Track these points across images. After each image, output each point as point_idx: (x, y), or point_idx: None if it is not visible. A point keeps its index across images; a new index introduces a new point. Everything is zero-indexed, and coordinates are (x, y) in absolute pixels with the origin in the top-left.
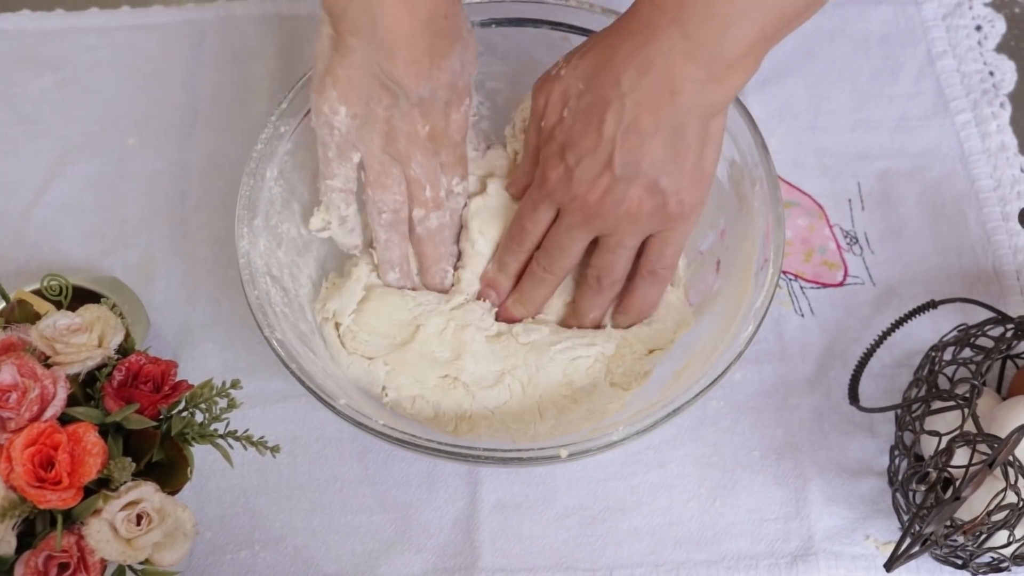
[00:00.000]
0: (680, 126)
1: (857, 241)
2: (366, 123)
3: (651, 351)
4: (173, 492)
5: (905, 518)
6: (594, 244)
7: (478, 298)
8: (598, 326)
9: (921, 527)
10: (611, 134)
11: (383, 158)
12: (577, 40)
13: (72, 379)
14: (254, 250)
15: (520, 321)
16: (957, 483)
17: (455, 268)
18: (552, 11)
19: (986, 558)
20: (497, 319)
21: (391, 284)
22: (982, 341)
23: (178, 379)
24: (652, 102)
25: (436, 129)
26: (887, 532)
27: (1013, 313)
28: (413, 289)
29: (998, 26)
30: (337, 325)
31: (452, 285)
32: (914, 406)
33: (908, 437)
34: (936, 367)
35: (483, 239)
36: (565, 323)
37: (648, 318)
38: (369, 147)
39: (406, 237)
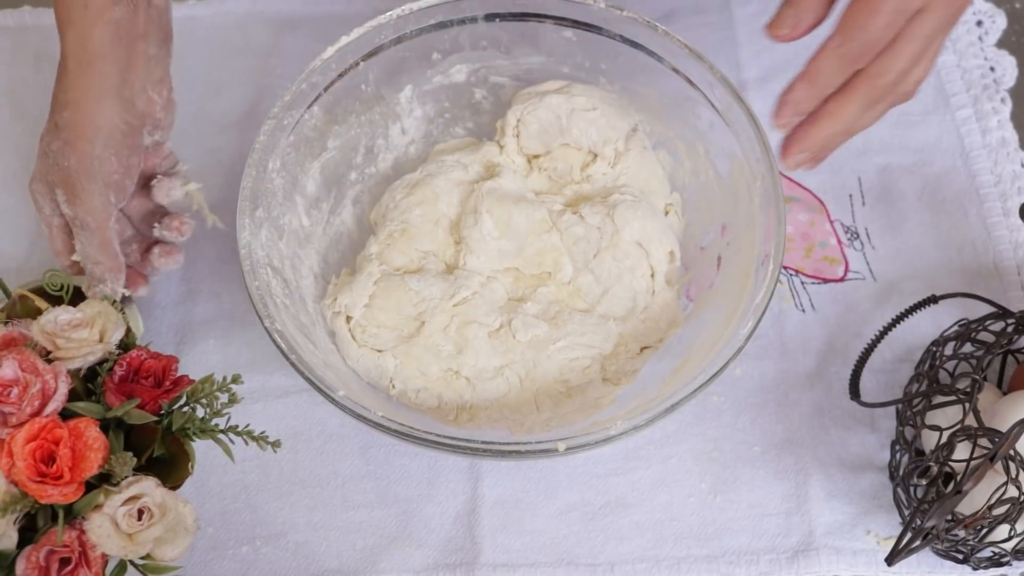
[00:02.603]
0: None
1: (858, 236)
2: None
3: (643, 349)
4: (174, 487)
5: (906, 513)
6: None
7: (777, 116)
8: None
9: (922, 521)
10: None
11: None
12: (581, 35)
13: (73, 374)
14: (255, 241)
15: (819, 144)
16: (958, 477)
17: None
18: (556, 6)
19: (987, 552)
20: (788, 147)
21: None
22: (983, 336)
23: (179, 374)
24: None
25: None
26: (888, 527)
27: (1014, 308)
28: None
29: (999, 21)
30: (348, 319)
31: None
32: (915, 401)
33: (909, 432)
34: (937, 362)
35: (491, 223)
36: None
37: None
38: None
39: None
